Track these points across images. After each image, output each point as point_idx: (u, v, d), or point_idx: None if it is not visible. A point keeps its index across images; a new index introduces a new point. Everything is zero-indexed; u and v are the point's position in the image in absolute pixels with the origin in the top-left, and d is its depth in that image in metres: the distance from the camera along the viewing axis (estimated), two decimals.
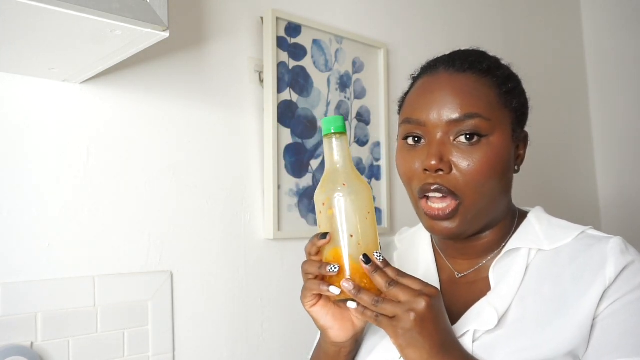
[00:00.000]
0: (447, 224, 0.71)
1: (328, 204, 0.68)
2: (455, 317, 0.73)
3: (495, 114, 0.71)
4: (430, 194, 0.71)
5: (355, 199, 0.67)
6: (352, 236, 0.66)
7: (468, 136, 0.69)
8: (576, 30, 2.38)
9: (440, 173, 0.69)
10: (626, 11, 2.25)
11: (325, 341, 0.74)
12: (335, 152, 0.69)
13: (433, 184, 0.70)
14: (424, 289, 0.62)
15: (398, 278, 0.63)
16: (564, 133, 2.21)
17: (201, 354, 1.09)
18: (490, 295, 0.70)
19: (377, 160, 1.45)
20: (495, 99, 0.71)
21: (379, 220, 1.43)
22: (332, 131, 0.68)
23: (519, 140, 0.76)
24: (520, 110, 0.75)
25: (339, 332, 0.72)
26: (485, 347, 0.66)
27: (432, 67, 0.77)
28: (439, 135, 0.71)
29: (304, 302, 0.70)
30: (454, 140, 0.70)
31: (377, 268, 0.64)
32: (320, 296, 0.70)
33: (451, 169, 0.70)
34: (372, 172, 1.43)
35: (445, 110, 0.70)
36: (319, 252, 0.69)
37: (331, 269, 0.65)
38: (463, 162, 0.69)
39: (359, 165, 1.39)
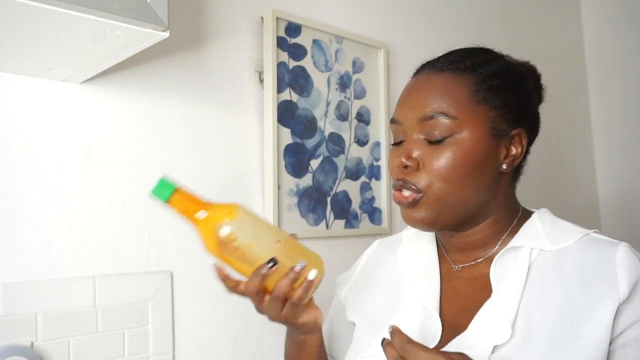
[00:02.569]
0: (413, 213, 0.74)
1: (231, 241, 0.68)
2: (455, 313, 0.73)
3: (464, 111, 0.71)
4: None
5: (243, 221, 0.70)
6: (278, 241, 0.71)
7: (436, 132, 0.72)
8: (576, 29, 2.38)
9: (409, 170, 0.73)
10: (626, 11, 2.26)
11: (315, 330, 0.79)
12: (189, 207, 0.69)
13: (400, 180, 0.74)
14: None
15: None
16: (563, 133, 2.21)
17: (201, 354, 1.09)
18: (495, 299, 0.69)
19: (377, 160, 1.45)
20: (466, 97, 0.72)
21: (379, 220, 1.43)
22: (170, 193, 0.69)
23: (506, 137, 0.74)
24: (506, 107, 0.73)
25: (320, 313, 0.78)
26: None
27: (419, 69, 0.81)
28: (413, 134, 0.74)
29: (297, 320, 0.74)
30: (425, 138, 0.73)
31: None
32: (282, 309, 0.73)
33: (419, 166, 0.72)
34: (372, 172, 1.43)
35: (415, 110, 0.74)
36: (260, 289, 0.70)
37: (301, 264, 0.69)
38: (429, 159, 0.72)
39: (358, 165, 1.40)
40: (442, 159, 0.71)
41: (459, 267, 0.78)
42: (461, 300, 0.74)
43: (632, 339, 0.64)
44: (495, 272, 0.72)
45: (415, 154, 0.73)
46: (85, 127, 0.97)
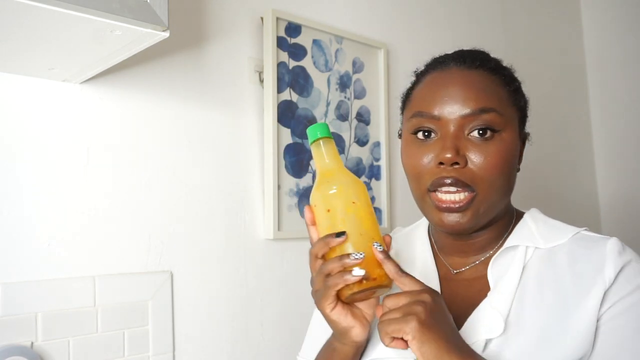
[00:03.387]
0: (458, 217, 0.70)
1: (326, 204, 0.69)
2: (455, 315, 0.73)
3: (506, 110, 0.72)
4: (444, 188, 0.70)
5: (354, 196, 0.68)
6: (360, 232, 0.67)
7: (482, 131, 0.70)
8: (576, 30, 2.38)
9: (456, 166, 0.69)
10: (626, 11, 2.25)
11: (345, 343, 0.71)
12: (325, 155, 0.71)
13: (448, 177, 0.69)
14: (424, 287, 0.63)
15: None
16: (564, 133, 2.21)
17: (201, 354, 1.09)
18: (491, 296, 0.70)
19: (377, 160, 1.45)
20: (505, 96, 0.73)
21: (379, 220, 1.43)
22: (319, 136, 0.71)
23: (520, 140, 0.77)
24: (523, 110, 0.77)
25: (360, 330, 0.70)
26: (492, 354, 0.66)
27: (442, 63, 0.76)
28: (452, 129, 0.70)
29: (325, 305, 0.67)
30: (468, 135, 0.70)
31: (388, 256, 0.64)
32: (338, 299, 0.68)
33: (466, 163, 0.69)
34: (372, 172, 1.43)
35: (459, 105, 0.70)
36: (325, 254, 0.68)
37: (356, 256, 0.63)
38: (478, 156, 0.69)
39: (358, 165, 1.39)
40: (493, 156, 0.69)
41: (457, 271, 0.78)
42: (460, 301, 0.74)
43: (608, 317, 0.65)
44: (493, 272, 0.73)
45: (462, 150, 0.69)
46: (85, 127, 0.97)
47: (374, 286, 0.66)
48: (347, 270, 0.64)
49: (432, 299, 0.61)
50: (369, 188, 1.42)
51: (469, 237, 0.77)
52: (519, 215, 0.79)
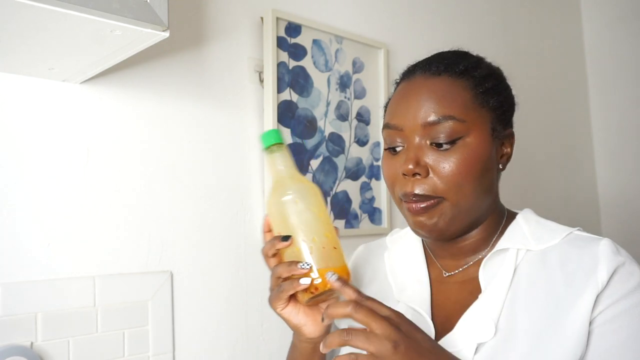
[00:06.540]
0: (427, 220, 0.72)
1: (279, 211, 0.71)
2: (446, 317, 0.73)
3: (470, 114, 0.71)
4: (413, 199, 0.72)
5: (306, 202, 0.71)
6: (313, 238, 0.69)
7: (441, 139, 0.70)
8: (576, 30, 2.38)
9: (417, 177, 0.71)
10: (626, 11, 2.26)
11: (300, 340, 0.76)
12: (278, 162, 0.73)
13: (412, 192, 0.71)
14: (388, 311, 0.60)
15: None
16: (564, 133, 2.21)
17: (201, 354, 1.09)
18: (482, 300, 0.70)
19: (377, 160, 1.45)
20: (470, 100, 0.72)
21: (379, 220, 1.43)
22: (273, 142, 0.73)
23: (503, 138, 0.76)
24: (500, 108, 0.75)
25: (313, 328, 0.74)
26: (483, 358, 0.66)
27: (410, 72, 0.78)
28: (416, 139, 0.72)
29: (277, 305, 0.72)
30: (431, 143, 0.71)
31: (345, 283, 0.64)
32: (290, 298, 0.72)
33: (428, 173, 0.70)
34: (372, 172, 1.43)
35: (420, 114, 0.71)
36: (276, 254, 0.72)
37: (302, 265, 0.67)
38: (439, 165, 0.70)
39: (358, 165, 1.40)
40: (454, 164, 0.70)
41: (450, 274, 0.78)
42: (452, 304, 0.75)
43: (602, 321, 0.65)
44: (484, 275, 0.73)
45: (423, 160, 0.71)
46: (85, 127, 0.97)
47: (325, 292, 0.68)
48: (295, 277, 0.68)
49: (402, 323, 0.59)
50: (369, 188, 1.42)
51: (456, 241, 0.77)
52: (511, 216, 0.79)
